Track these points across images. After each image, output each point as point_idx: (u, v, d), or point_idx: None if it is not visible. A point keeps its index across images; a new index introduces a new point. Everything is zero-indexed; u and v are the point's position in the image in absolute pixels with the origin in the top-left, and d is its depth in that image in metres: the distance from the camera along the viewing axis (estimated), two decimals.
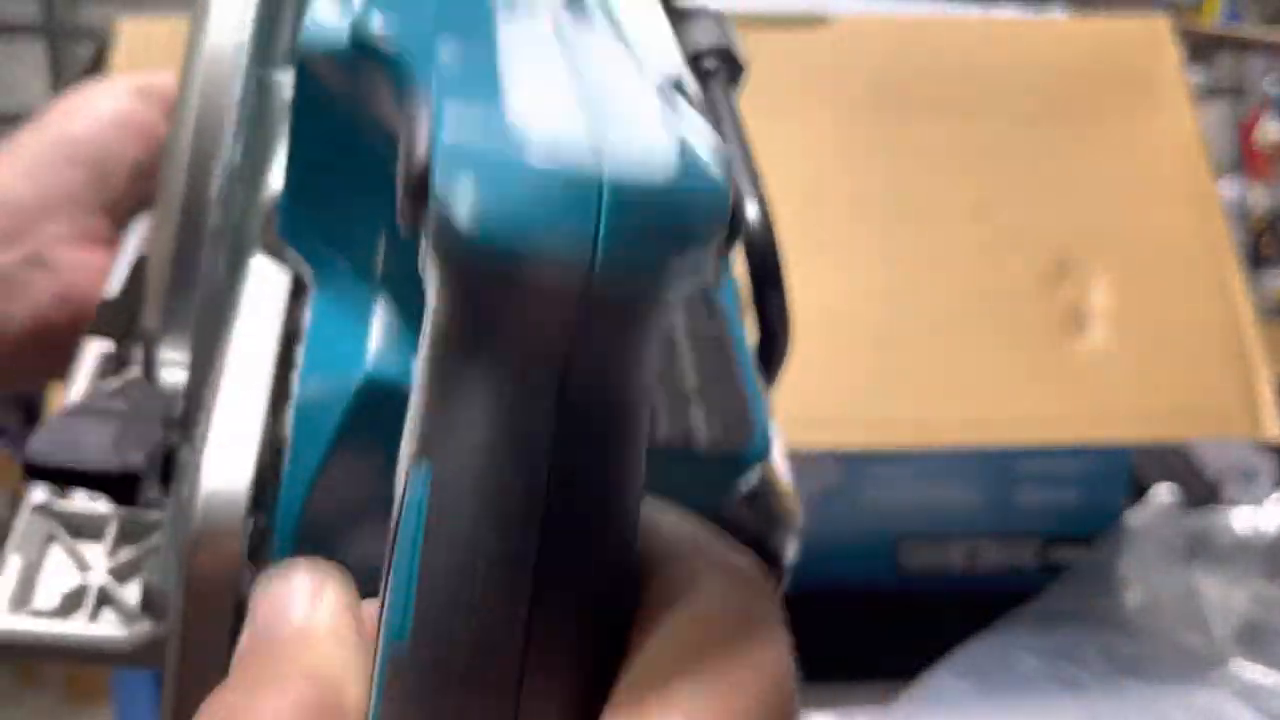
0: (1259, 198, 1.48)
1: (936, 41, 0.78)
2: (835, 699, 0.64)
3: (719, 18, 0.38)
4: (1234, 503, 0.81)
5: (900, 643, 0.69)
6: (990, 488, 0.73)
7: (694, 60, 0.37)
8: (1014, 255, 0.70)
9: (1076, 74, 0.77)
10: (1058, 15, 0.90)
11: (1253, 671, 0.66)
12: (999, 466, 0.73)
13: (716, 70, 0.38)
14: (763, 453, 0.26)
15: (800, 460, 0.72)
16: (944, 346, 0.67)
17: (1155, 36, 0.79)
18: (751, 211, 0.31)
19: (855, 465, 0.71)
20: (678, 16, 0.38)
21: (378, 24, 0.19)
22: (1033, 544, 0.75)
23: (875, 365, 0.66)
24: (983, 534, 0.74)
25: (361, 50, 0.19)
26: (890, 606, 0.72)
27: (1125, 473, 0.75)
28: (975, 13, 0.89)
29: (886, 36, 0.77)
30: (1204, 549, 0.71)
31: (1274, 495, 0.72)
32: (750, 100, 0.81)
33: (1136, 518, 0.73)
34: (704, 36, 0.38)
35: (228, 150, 0.29)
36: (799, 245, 0.70)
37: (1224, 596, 0.70)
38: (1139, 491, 0.75)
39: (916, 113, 0.74)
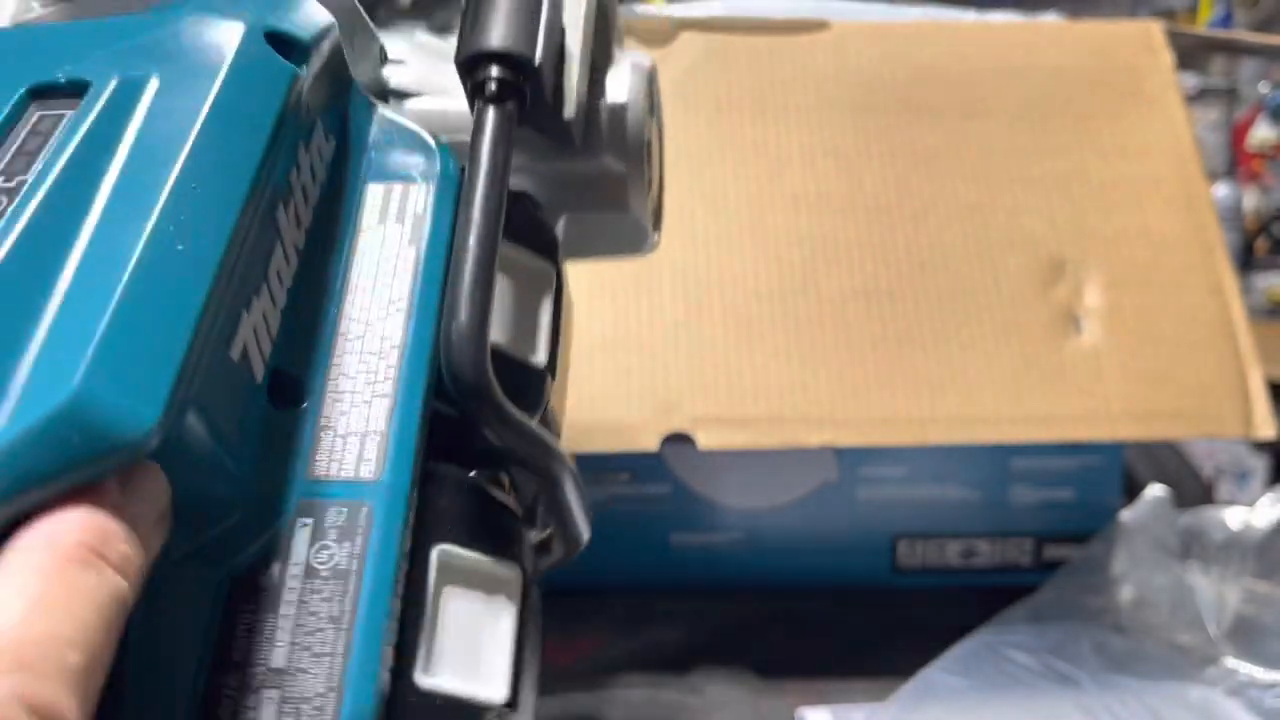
0: (1252, 200, 1.49)
1: (934, 46, 0.78)
2: (831, 694, 0.64)
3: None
4: (1227, 502, 0.81)
5: (896, 639, 0.69)
6: (986, 486, 0.74)
7: (468, 66, 0.25)
8: (1009, 256, 0.71)
9: (1071, 77, 0.77)
10: (1053, 20, 0.90)
11: (1245, 668, 0.67)
12: (994, 465, 0.73)
13: (498, 92, 0.24)
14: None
15: (798, 458, 0.73)
16: (940, 346, 0.68)
17: (1148, 40, 0.79)
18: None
19: (852, 463, 0.72)
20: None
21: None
22: (1027, 542, 0.75)
23: (872, 364, 0.67)
24: (978, 532, 0.75)
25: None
26: (886, 603, 0.73)
27: (1119, 472, 0.76)
28: (971, 17, 0.90)
29: (885, 40, 0.78)
30: (1197, 547, 0.72)
31: (1267, 495, 0.72)
32: (752, 103, 0.82)
33: (1130, 516, 0.73)
34: (496, 34, 0.25)
35: None
36: (798, 245, 0.71)
37: (1217, 594, 0.70)
38: (1133, 490, 0.75)
39: (914, 116, 0.75)
